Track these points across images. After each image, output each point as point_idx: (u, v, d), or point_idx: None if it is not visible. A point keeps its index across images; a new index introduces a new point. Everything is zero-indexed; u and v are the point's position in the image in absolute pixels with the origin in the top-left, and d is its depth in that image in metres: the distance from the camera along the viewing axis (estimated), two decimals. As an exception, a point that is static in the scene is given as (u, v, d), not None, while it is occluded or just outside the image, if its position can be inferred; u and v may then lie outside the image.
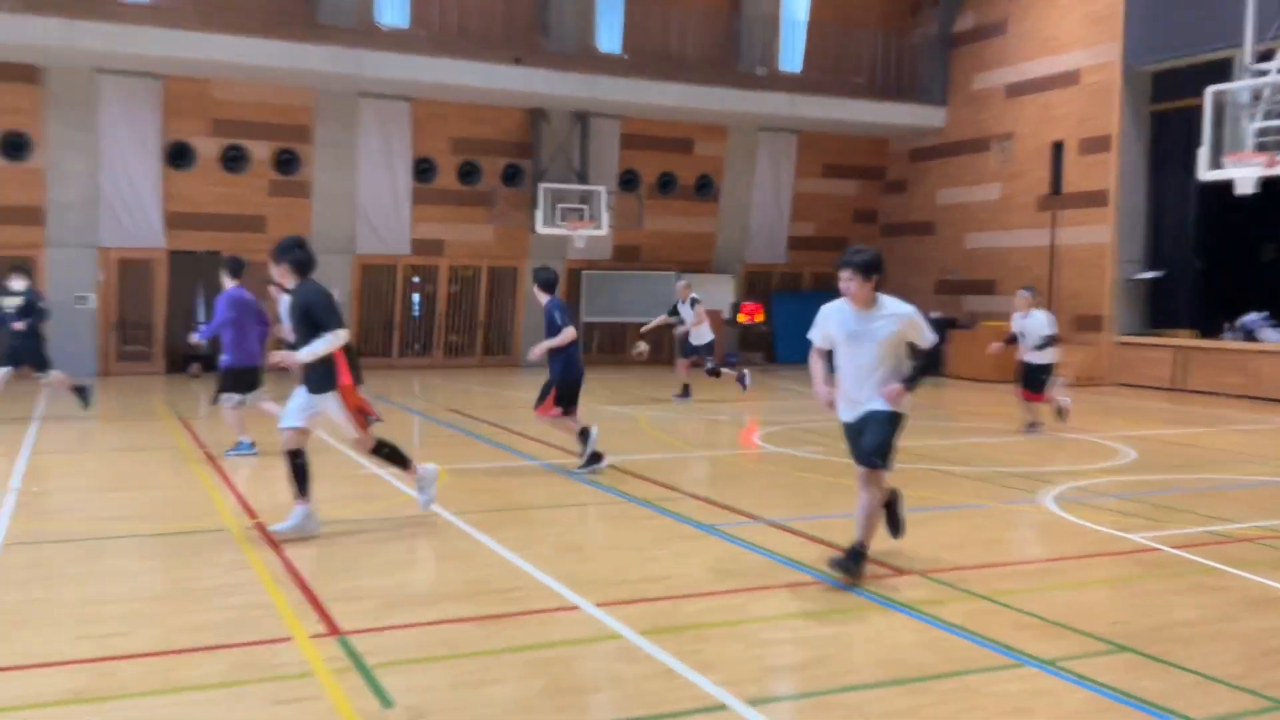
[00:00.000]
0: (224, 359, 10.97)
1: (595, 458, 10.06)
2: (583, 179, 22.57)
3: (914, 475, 10.11)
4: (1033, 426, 13.27)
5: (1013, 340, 13.49)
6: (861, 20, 24.78)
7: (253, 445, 10.81)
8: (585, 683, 4.91)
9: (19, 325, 13.37)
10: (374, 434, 7.75)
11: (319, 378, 7.40)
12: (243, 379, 10.96)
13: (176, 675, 4.78)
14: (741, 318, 23.48)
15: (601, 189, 22.30)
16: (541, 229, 21.76)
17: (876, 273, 6.32)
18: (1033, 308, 13.31)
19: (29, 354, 13.51)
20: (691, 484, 9.55)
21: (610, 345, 24.11)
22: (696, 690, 4.68)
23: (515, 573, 6.58)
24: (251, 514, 8.06)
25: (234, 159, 20.41)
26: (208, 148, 20.17)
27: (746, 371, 17.29)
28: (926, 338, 6.44)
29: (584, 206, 22.01)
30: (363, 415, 7.56)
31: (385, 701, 4.50)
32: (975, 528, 8.20)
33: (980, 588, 6.33)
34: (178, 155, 20.01)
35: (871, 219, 26.41)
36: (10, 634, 5.32)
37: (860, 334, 6.37)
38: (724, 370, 17.01)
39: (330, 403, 7.44)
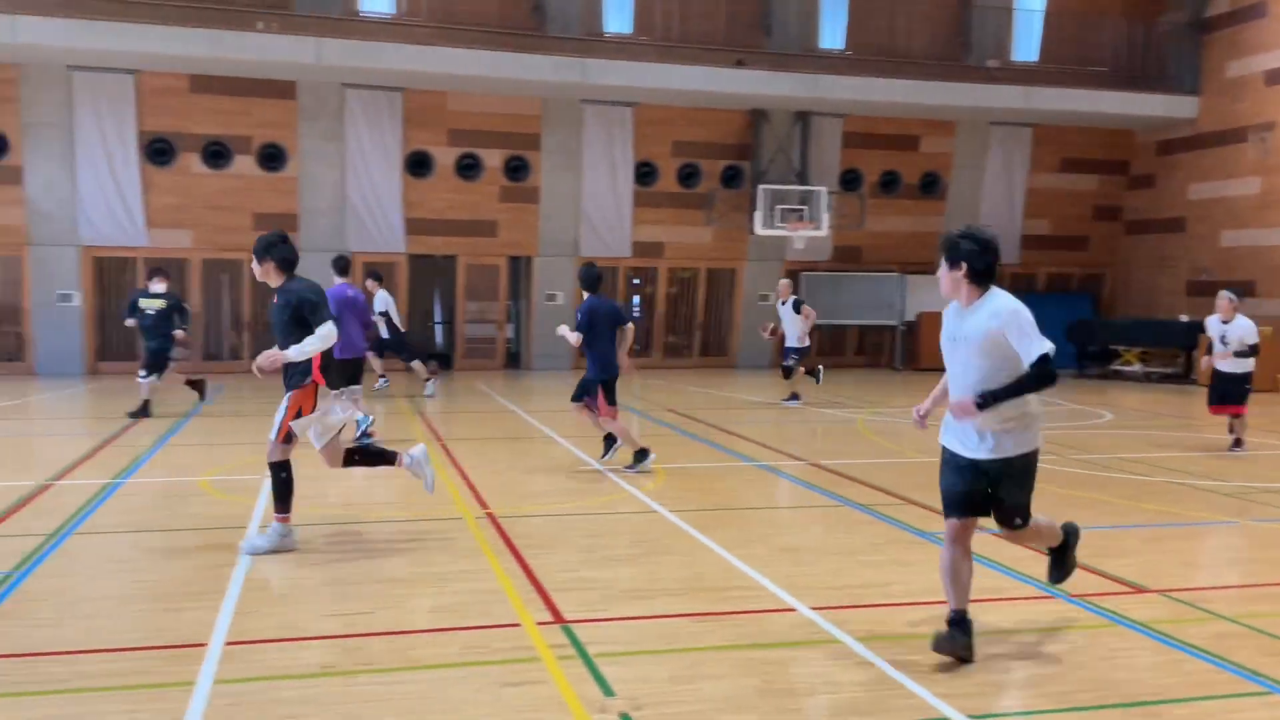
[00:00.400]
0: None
1: (642, 454, 10.07)
2: (802, 179, 22.43)
3: (1154, 488, 9.57)
4: (1237, 444, 12.01)
5: (1210, 348, 12.36)
6: (1103, 6, 23.57)
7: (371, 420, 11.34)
8: (800, 685, 4.91)
9: (180, 334, 13.51)
10: (281, 452, 6.96)
11: (301, 374, 6.89)
12: (345, 370, 11.45)
13: (415, 654, 5.10)
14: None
15: (822, 189, 22.10)
16: (760, 230, 21.78)
17: (966, 261, 4.97)
18: (1237, 313, 12.19)
19: (163, 357, 13.49)
20: (911, 489, 9.35)
21: (830, 348, 23.82)
22: (916, 700, 4.61)
23: (732, 572, 6.64)
24: (483, 504, 8.47)
25: (468, 167, 21.43)
26: (445, 156, 21.26)
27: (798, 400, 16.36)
28: (1032, 349, 4.84)
29: (803, 207, 21.87)
30: (289, 426, 6.88)
31: (606, 690, 4.65)
32: (1221, 545, 7.69)
33: (1225, 609, 5.93)
34: (417, 164, 21.20)
35: (1114, 215, 25.07)
36: (267, 609, 5.79)
37: (956, 336, 5.10)
38: (795, 371, 16.25)
39: (287, 400, 6.89)
